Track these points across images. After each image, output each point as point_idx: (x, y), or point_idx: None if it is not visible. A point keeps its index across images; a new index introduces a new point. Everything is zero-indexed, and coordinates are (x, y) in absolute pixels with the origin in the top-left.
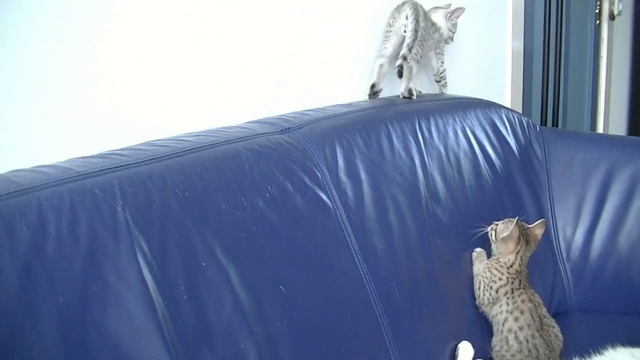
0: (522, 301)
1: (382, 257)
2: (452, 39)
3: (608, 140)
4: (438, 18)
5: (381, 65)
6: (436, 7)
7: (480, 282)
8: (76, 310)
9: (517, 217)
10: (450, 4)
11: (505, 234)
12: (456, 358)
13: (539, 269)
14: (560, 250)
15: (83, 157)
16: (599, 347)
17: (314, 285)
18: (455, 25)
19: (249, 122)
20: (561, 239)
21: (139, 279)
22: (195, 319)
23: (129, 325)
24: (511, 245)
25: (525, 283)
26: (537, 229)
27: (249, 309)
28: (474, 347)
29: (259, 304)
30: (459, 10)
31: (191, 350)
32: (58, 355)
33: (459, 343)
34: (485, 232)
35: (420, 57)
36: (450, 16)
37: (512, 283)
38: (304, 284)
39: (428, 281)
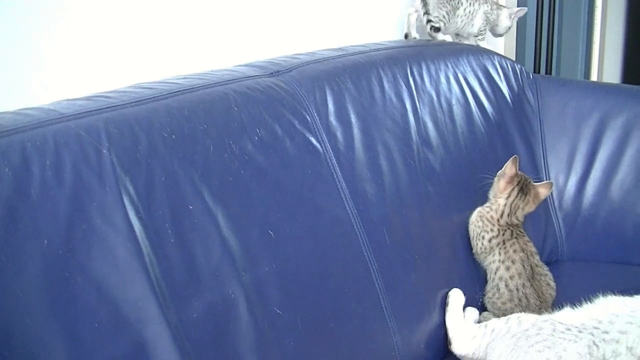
0: (514, 251)
1: (372, 202)
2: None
3: (602, 88)
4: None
5: (409, 15)
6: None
7: (473, 230)
8: (61, 253)
9: (514, 155)
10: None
11: (501, 171)
12: (447, 305)
13: (530, 218)
14: (552, 199)
15: (68, 100)
16: (590, 296)
17: (303, 229)
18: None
19: (237, 66)
20: (553, 188)
21: (125, 222)
22: (182, 262)
23: (114, 268)
24: (502, 184)
25: (518, 232)
26: (541, 187)
27: (237, 253)
28: (465, 294)
29: (247, 248)
30: (522, 11)
31: (178, 295)
32: (42, 297)
33: (449, 290)
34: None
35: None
36: (513, 16)
37: (504, 234)
38: (292, 228)
39: (419, 227)
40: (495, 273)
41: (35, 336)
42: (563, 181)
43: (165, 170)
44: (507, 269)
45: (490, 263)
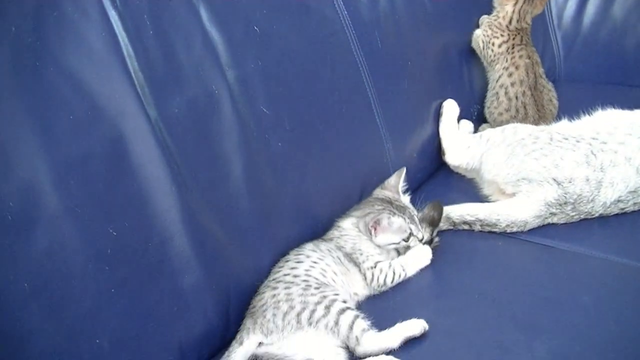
0: (520, 57)
1: (363, 4)
2: None
3: None
4: None
5: None
6: None
7: (482, 40)
8: (30, 42)
9: None
10: None
11: None
12: (441, 116)
13: None
14: (552, 17)
15: None
16: (589, 111)
17: (289, 27)
18: None
19: None
20: (553, 5)
21: (99, 11)
22: (162, 56)
23: (89, 59)
24: None
25: (527, 40)
26: None
27: (220, 48)
28: (459, 107)
29: (231, 44)
30: None
31: (159, 89)
32: (13, 89)
33: (443, 101)
34: None
35: None
36: None
37: (514, 39)
38: (279, 25)
39: (412, 35)
40: (497, 81)
41: (9, 130)
42: None
43: None
44: (510, 75)
45: (495, 72)
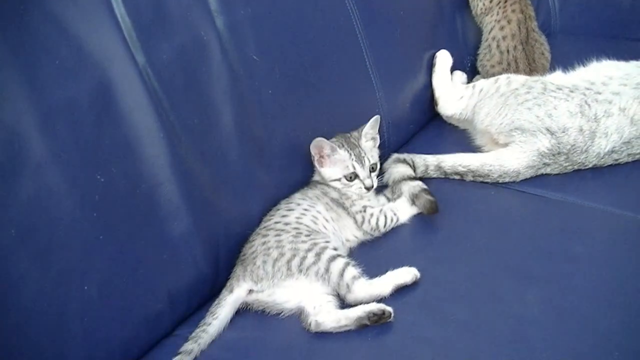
0: (513, 11)
1: None
2: None
3: None
4: None
5: None
6: None
7: None
8: None
9: None
10: None
11: None
12: (434, 66)
13: None
14: None
15: None
16: (583, 63)
17: None
18: None
19: None
20: None
21: None
22: (149, 1)
23: (75, 4)
24: None
25: None
26: None
27: None
28: (452, 57)
29: None
30: None
31: (146, 35)
32: None
33: (437, 52)
34: None
35: None
36: None
37: None
38: None
39: None
40: (490, 33)
41: None
42: None
43: None
44: (502, 28)
45: (487, 24)
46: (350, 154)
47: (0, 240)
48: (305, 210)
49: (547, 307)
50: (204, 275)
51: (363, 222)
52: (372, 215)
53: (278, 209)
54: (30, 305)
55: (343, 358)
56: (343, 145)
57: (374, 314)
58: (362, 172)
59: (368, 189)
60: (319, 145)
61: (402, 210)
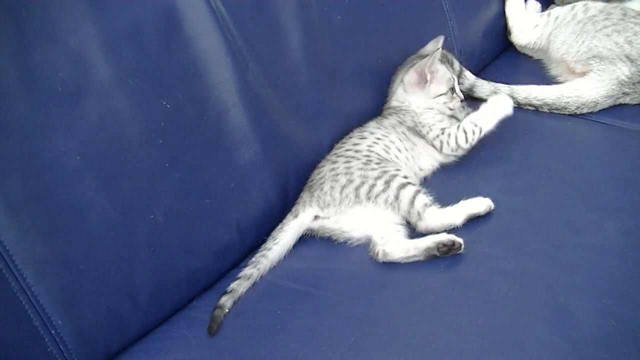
0: None
1: None
2: None
3: None
4: None
5: None
6: None
7: None
8: None
9: None
10: None
11: None
12: None
13: None
14: None
15: None
16: None
17: None
18: None
19: None
20: None
21: None
22: None
23: None
24: None
25: None
26: None
27: None
28: None
29: None
30: None
31: None
32: None
33: None
34: None
35: None
36: None
37: None
38: None
39: None
40: None
41: None
42: None
43: None
44: None
45: None
46: (447, 67)
47: (66, 165)
48: (378, 139)
49: (627, 238)
50: (272, 204)
51: (442, 146)
52: (449, 135)
53: (350, 137)
54: (98, 231)
55: (415, 290)
56: (442, 61)
57: (444, 245)
58: (457, 86)
59: (462, 101)
60: (427, 63)
61: (485, 117)
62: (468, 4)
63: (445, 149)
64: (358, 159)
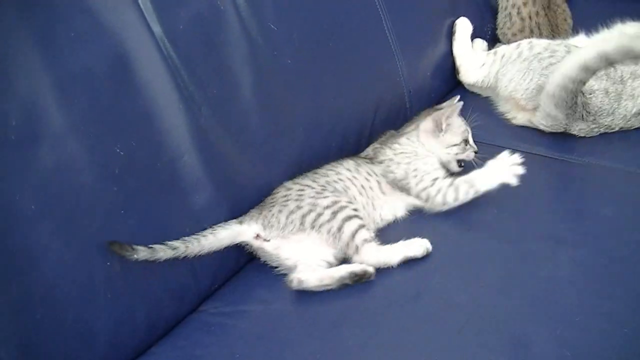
0: None
1: None
2: None
3: None
4: None
5: None
6: None
7: None
8: None
9: None
10: None
11: None
12: (454, 34)
13: None
14: None
15: None
16: (608, 24)
17: None
18: None
19: None
20: None
21: None
22: None
23: None
24: None
25: None
26: None
27: None
28: (472, 25)
29: None
30: None
31: (162, 4)
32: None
33: (456, 19)
34: None
35: None
36: None
37: None
38: None
39: None
40: (509, 0)
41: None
42: None
43: None
44: None
45: None
46: (464, 121)
47: (21, 212)
48: (341, 179)
49: (578, 268)
50: (228, 248)
51: (428, 199)
52: (439, 190)
53: (315, 172)
54: (54, 279)
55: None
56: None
57: (356, 274)
58: (471, 138)
59: (476, 152)
60: (446, 113)
61: (482, 178)
62: (416, 45)
63: (431, 204)
64: (312, 187)
